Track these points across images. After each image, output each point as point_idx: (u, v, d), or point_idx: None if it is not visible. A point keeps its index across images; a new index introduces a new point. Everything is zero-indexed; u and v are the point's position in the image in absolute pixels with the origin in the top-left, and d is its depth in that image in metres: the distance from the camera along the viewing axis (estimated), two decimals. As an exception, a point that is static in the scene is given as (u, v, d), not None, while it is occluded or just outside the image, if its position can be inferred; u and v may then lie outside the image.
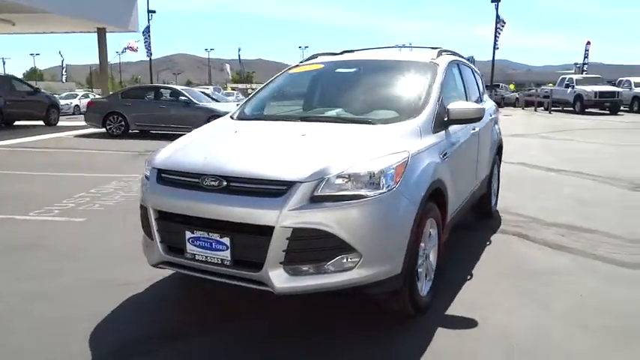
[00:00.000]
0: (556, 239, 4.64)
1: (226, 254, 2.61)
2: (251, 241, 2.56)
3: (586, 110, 24.41)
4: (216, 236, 2.62)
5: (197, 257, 2.70)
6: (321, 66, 4.21)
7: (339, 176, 2.55)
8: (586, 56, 38.25)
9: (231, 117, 3.81)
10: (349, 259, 2.53)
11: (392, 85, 3.80)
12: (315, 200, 2.49)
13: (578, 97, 24.82)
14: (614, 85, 26.55)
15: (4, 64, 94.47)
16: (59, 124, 18.11)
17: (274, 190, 2.54)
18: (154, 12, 34.21)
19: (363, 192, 2.55)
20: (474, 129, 4.13)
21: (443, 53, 4.13)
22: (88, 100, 20.79)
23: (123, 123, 14.38)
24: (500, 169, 5.86)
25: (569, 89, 25.80)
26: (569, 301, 3.34)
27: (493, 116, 5.30)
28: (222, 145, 3.04)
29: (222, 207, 2.59)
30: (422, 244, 2.93)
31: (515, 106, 31.44)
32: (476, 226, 5.03)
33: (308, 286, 2.54)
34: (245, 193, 2.59)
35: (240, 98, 21.02)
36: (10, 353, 2.70)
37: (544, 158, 9.69)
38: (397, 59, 4.11)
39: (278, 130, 3.27)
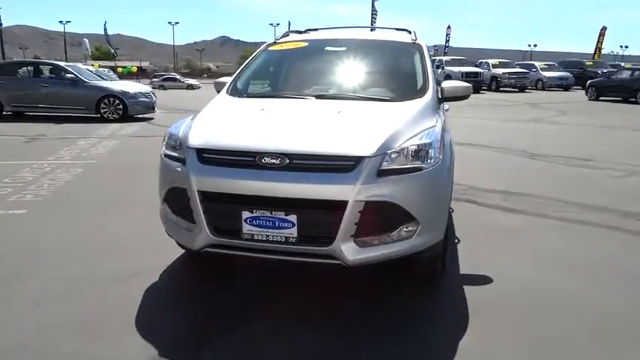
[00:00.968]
0: (502, 203, 5.25)
1: (292, 231, 2.60)
2: (321, 216, 2.59)
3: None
4: (280, 214, 2.60)
5: (256, 237, 2.65)
6: (306, 44, 4.23)
7: (398, 151, 2.68)
8: (447, 40, 41.91)
9: (231, 95, 3.69)
10: (409, 228, 2.69)
11: (391, 63, 3.98)
12: (381, 174, 2.60)
13: (448, 77, 27.24)
14: (476, 66, 29.60)
15: None
16: None
17: (343, 165, 2.59)
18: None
19: (418, 164, 2.71)
20: (447, 109, 4.48)
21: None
22: None
23: (-5, 104, 12.65)
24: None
25: (440, 70, 28.16)
26: (545, 250, 3.88)
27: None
28: (266, 122, 2.96)
29: (288, 185, 2.57)
30: (447, 210, 3.18)
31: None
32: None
33: (374, 256, 2.66)
34: (310, 170, 2.60)
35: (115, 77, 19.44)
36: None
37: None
38: (382, 39, 4.29)
39: (310, 108, 3.25)
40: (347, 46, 4.19)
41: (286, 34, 4.56)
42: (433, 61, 4.80)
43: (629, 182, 6.44)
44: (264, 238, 2.65)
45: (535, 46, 70.59)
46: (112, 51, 48.83)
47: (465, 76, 26.79)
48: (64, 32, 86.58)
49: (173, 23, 72.99)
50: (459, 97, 3.73)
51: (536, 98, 22.60)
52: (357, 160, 2.59)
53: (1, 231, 4.24)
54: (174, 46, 77.98)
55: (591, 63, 32.44)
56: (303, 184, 2.57)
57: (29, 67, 13.77)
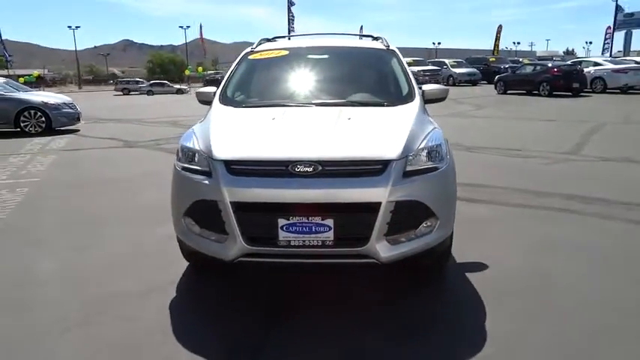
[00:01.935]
0: (468, 195, 5.65)
1: (329, 235, 2.73)
2: (356, 218, 2.74)
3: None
4: (317, 219, 2.72)
5: (293, 243, 2.75)
6: (287, 52, 4.33)
7: (417, 152, 2.90)
8: (361, 40, 43.67)
9: (226, 105, 3.70)
10: (429, 224, 2.92)
11: (374, 69, 4.20)
12: (406, 175, 2.81)
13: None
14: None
15: None
16: None
17: (372, 169, 2.76)
18: None
19: (435, 164, 2.95)
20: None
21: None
22: None
23: None
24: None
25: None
26: (521, 236, 4.30)
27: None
28: (288, 131, 3.05)
29: (324, 190, 2.70)
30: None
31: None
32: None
33: (403, 252, 2.85)
34: (342, 175, 2.74)
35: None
36: None
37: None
38: (358, 46, 4.50)
39: (320, 115, 3.36)
40: (328, 53, 4.35)
41: (260, 43, 4.63)
42: None
43: (559, 169, 7.18)
44: (300, 244, 2.75)
45: (439, 44, 74.77)
46: (8, 58, 44.75)
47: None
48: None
49: (74, 27, 68.61)
50: (438, 98, 4.01)
51: (452, 94, 23.74)
52: (386, 163, 2.77)
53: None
54: (76, 51, 73.22)
55: (494, 59, 35.14)
56: (339, 189, 2.71)
57: None
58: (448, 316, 3.00)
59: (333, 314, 3.00)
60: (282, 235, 2.75)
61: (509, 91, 23.28)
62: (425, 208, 2.85)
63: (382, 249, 2.77)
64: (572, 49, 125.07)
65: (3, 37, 44.96)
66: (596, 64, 23.95)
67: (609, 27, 45.26)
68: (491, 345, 2.62)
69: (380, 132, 3.07)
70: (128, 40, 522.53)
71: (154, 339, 2.73)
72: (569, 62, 25.87)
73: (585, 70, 22.50)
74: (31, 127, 12.10)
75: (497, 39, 50.61)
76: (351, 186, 2.72)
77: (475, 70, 31.42)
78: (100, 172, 7.50)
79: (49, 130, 12.19)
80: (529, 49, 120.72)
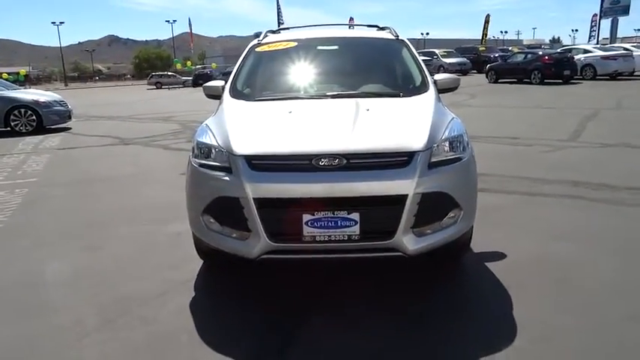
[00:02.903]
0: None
1: (355, 229, 2.68)
2: (383, 211, 2.69)
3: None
4: (342, 213, 2.66)
5: (318, 238, 2.69)
6: (295, 44, 4.25)
7: (441, 143, 2.86)
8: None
9: (238, 99, 3.62)
10: (454, 215, 2.88)
11: (386, 60, 4.14)
12: (431, 166, 2.76)
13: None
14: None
15: None
16: None
17: (398, 161, 2.71)
18: None
19: (458, 155, 2.91)
20: None
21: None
22: None
23: None
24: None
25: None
26: (536, 224, 4.29)
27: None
28: (309, 124, 2.99)
29: (350, 184, 2.64)
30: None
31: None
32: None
33: (430, 244, 2.81)
34: (368, 168, 2.69)
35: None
36: None
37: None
38: (368, 36, 4.43)
39: (338, 108, 3.29)
40: (338, 44, 4.28)
41: (266, 35, 4.54)
42: None
43: (560, 156, 7.19)
44: (326, 239, 2.70)
45: (427, 34, 74.86)
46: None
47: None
48: None
49: (58, 24, 67.40)
50: (450, 88, 3.96)
51: (443, 84, 23.95)
52: (411, 155, 2.72)
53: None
54: (60, 47, 72.12)
55: (484, 48, 35.24)
56: (365, 182, 2.66)
57: None
58: (473, 307, 2.98)
59: (357, 307, 2.96)
60: (307, 230, 2.69)
61: (500, 80, 23.33)
62: (450, 199, 2.81)
63: (409, 242, 2.73)
64: (559, 37, 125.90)
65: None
66: (586, 51, 24.07)
67: (595, 14, 45.44)
68: (521, 335, 2.60)
69: (402, 123, 3.02)
70: (113, 35, 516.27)
71: (180, 340, 2.67)
72: (559, 50, 25.99)
73: (575, 57, 22.63)
74: (21, 126, 11.89)
75: (486, 28, 50.63)
76: (377, 179, 2.67)
77: (465, 59, 31.47)
78: (99, 171, 7.37)
79: (40, 128, 11.99)
80: (516, 37, 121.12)
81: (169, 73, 47.41)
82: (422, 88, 3.66)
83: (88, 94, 37.21)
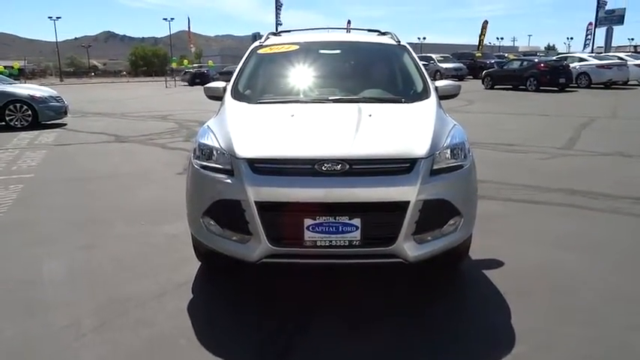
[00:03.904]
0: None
1: (356, 235, 2.68)
2: (384, 218, 2.69)
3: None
4: (344, 219, 2.66)
5: (319, 243, 2.69)
6: (297, 47, 4.24)
7: (443, 150, 2.86)
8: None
9: (240, 101, 3.61)
10: (454, 222, 2.89)
11: (387, 65, 4.14)
12: (433, 173, 2.76)
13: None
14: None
15: None
16: None
17: (400, 168, 2.71)
18: None
19: (460, 162, 2.92)
20: None
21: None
22: None
23: None
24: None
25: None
26: (535, 232, 4.30)
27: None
28: (311, 129, 2.99)
29: (352, 189, 2.64)
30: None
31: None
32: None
33: (430, 251, 2.82)
34: (370, 174, 2.69)
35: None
36: None
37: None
38: (369, 41, 4.43)
39: (341, 112, 3.29)
40: (340, 48, 4.28)
41: (267, 37, 4.53)
42: None
43: (557, 164, 7.23)
44: (327, 244, 2.69)
45: (424, 39, 75.21)
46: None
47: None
48: None
49: (54, 18, 67.07)
50: (451, 95, 3.97)
51: (440, 89, 24.06)
52: (414, 162, 2.72)
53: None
54: (57, 42, 71.63)
55: (480, 54, 35.35)
56: (367, 188, 2.66)
57: None
58: (472, 315, 2.98)
59: (357, 312, 2.96)
60: (308, 235, 2.68)
61: (496, 86, 23.44)
62: (451, 206, 2.82)
63: (410, 248, 2.73)
64: (554, 45, 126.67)
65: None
66: (581, 59, 24.27)
67: (590, 23, 45.81)
68: (521, 343, 2.60)
69: (405, 129, 3.03)
70: (110, 31, 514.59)
71: (178, 344, 2.65)
72: (554, 58, 26.15)
73: (571, 65, 22.78)
74: (16, 121, 11.79)
75: (483, 34, 50.79)
76: (379, 185, 2.67)
77: (462, 65, 31.59)
78: (96, 168, 7.33)
79: (36, 124, 11.90)
80: (511, 44, 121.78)
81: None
82: (423, 95, 3.67)
83: (86, 90, 37.01)
